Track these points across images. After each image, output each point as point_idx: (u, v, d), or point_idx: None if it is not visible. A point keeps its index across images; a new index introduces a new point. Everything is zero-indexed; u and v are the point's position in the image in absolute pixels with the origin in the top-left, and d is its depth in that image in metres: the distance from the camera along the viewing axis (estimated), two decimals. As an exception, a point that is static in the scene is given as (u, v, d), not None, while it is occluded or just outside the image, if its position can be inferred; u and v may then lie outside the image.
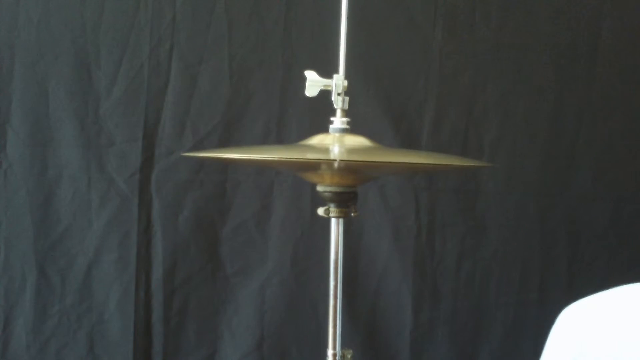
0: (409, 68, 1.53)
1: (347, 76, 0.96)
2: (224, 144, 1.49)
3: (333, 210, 0.98)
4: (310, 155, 0.92)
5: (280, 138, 1.50)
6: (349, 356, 1.04)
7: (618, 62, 1.57)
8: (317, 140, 0.96)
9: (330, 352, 1.02)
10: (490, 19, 1.53)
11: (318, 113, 1.05)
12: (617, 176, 1.58)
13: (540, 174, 1.58)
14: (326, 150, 0.93)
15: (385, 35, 1.51)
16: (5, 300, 1.49)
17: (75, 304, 1.51)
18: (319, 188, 0.98)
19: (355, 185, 0.99)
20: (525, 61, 1.55)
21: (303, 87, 0.97)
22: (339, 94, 0.95)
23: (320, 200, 1.00)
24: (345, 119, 0.97)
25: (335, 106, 0.96)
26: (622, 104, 1.58)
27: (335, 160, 0.89)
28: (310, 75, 0.96)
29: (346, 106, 0.96)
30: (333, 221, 1.00)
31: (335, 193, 0.97)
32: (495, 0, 1.53)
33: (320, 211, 0.99)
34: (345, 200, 0.98)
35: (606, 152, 1.58)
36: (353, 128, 0.98)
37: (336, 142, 0.95)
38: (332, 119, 0.98)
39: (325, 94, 0.96)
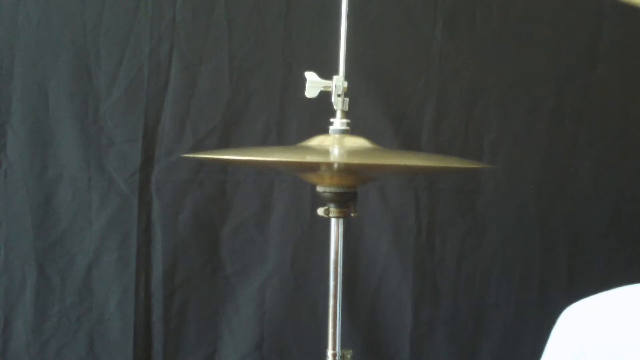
0: (409, 68, 1.53)
1: (347, 77, 0.96)
2: (224, 144, 1.49)
3: (333, 210, 0.98)
4: (310, 158, 0.92)
5: (280, 138, 1.50)
6: (348, 356, 1.03)
7: (618, 62, 1.56)
8: (316, 141, 0.96)
9: (330, 352, 1.02)
10: (490, 19, 1.53)
11: (318, 114, 1.05)
12: (617, 176, 1.58)
13: (540, 174, 1.57)
14: (326, 152, 0.93)
15: (385, 35, 1.51)
16: (5, 300, 1.49)
17: (75, 304, 1.51)
18: (319, 188, 0.97)
19: (355, 185, 0.99)
20: (525, 61, 1.55)
21: (303, 87, 0.96)
22: (338, 95, 0.95)
23: (320, 201, 1.00)
24: (345, 120, 0.97)
25: (335, 107, 0.96)
26: (622, 105, 1.58)
27: (334, 163, 0.89)
28: (311, 77, 0.96)
29: (346, 107, 0.96)
30: (333, 221, 1.00)
31: (335, 193, 0.96)
32: (495, 0, 1.53)
33: (320, 211, 0.99)
34: (345, 201, 0.98)
35: (606, 152, 1.57)
36: (353, 129, 0.98)
37: (336, 143, 0.95)
38: (332, 120, 0.97)
39: (325, 95, 0.96)
